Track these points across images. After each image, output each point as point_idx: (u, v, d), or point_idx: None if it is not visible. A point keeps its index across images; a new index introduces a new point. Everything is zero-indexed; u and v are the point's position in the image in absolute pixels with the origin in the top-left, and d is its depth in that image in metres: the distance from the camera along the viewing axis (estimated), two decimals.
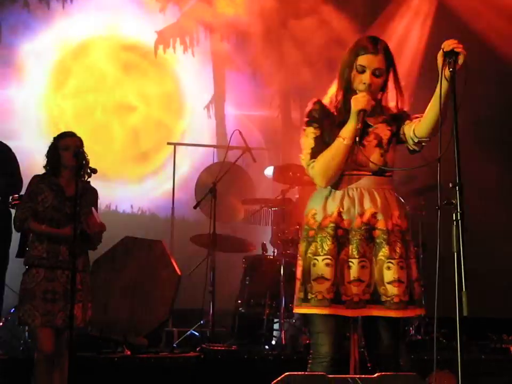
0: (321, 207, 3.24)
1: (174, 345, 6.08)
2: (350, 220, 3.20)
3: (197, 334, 6.33)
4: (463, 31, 7.92)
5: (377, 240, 3.20)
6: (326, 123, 3.26)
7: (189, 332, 6.41)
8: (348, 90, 3.26)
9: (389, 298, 3.16)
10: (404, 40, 8.81)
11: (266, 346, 6.09)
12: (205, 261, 6.44)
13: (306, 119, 3.31)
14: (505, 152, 8.26)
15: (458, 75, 2.84)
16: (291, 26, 9.01)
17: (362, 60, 3.21)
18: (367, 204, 3.21)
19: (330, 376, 2.82)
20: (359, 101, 3.15)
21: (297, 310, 3.28)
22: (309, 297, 3.17)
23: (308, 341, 5.96)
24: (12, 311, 5.89)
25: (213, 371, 5.40)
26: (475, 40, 7.93)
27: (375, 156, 3.24)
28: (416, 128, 3.20)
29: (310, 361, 3.25)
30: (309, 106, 3.33)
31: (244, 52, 9.14)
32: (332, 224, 3.18)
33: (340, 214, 3.19)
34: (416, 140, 3.23)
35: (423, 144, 3.24)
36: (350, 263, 3.16)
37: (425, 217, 6.43)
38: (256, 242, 6.99)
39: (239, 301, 6.46)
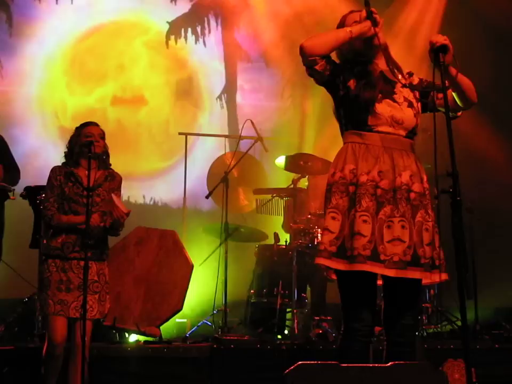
0: (357, 164, 3.19)
1: (187, 335, 6.09)
2: (390, 180, 3.17)
3: (209, 324, 6.34)
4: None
5: (414, 203, 3.18)
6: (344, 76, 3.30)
7: (201, 322, 6.41)
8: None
9: (427, 261, 3.16)
10: (420, 21, 8.70)
11: (279, 336, 6.09)
12: (217, 251, 6.44)
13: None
14: None
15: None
16: (303, 16, 8.97)
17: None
18: (404, 165, 3.21)
19: (343, 365, 2.80)
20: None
21: (324, 262, 3.17)
22: (343, 252, 3.12)
23: (320, 331, 5.96)
24: (25, 300, 5.92)
25: (226, 361, 5.40)
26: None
27: (409, 115, 3.27)
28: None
29: (342, 334, 3.21)
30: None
31: (255, 42, 9.12)
32: (371, 182, 3.15)
33: (379, 173, 3.16)
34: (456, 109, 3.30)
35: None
36: (390, 223, 3.13)
37: None
38: (268, 232, 6.98)
39: (252, 291, 6.47)
